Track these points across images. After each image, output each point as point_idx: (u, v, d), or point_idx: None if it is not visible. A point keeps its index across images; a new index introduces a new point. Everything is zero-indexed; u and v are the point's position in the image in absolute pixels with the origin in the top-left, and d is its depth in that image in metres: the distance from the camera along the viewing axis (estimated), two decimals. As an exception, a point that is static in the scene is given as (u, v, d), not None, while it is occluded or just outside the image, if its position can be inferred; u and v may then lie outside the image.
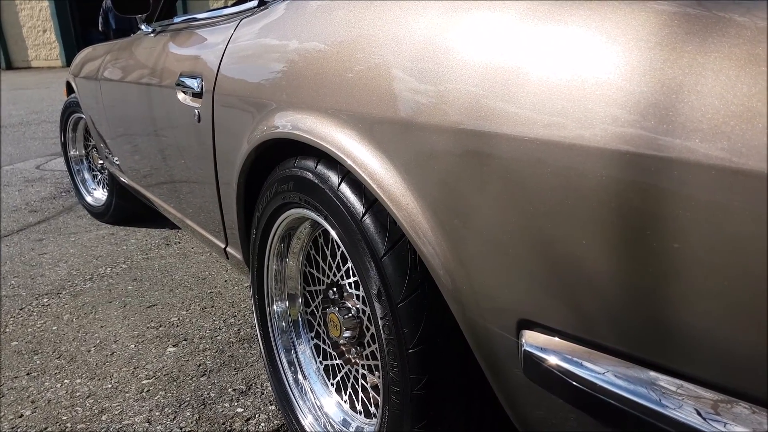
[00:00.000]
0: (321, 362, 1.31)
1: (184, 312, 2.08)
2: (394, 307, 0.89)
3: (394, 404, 0.94)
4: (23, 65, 17.42)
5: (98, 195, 3.25)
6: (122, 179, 2.56)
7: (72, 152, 3.35)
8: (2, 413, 1.53)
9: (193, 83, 1.48)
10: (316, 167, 1.03)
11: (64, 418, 1.51)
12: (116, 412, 1.52)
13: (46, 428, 1.47)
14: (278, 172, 1.16)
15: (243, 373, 1.66)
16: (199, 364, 1.73)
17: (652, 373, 0.63)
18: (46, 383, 1.67)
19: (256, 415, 1.47)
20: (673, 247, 0.57)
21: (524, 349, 0.73)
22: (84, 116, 2.93)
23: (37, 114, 7.39)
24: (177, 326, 1.97)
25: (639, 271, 0.61)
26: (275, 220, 1.22)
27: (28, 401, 1.58)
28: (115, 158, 2.52)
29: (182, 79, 1.55)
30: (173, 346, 1.85)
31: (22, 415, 1.52)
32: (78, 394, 1.61)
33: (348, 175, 0.97)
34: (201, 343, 1.85)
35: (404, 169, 0.84)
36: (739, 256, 0.52)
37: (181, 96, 1.57)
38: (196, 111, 1.48)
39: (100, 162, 3.15)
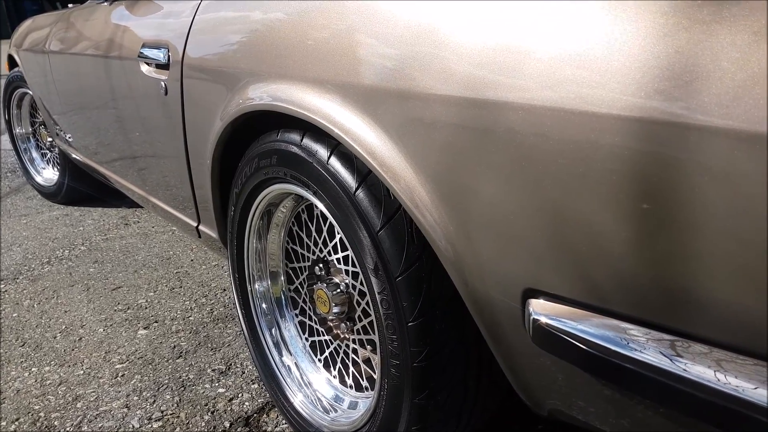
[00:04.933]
0: (307, 339, 1.29)
1: (152, 293, 2.02)
2: (393, 281, 0.88)
3: (393, 377, 0.93)
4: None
5: (48, 174, 3.11)
6: (75, 157, 2.45)
7: (18, 130, 3.18)
8: (-32, 406, 1.46)
9: (158, 54, 1.41)
10: (301, 140, 1.00)
11: (37, 407, 1.45)
12: (91, 399, 1.47)
13: (17, 419, 1.41)
14: (258, 146, 1.12)
15: (221, 353, 1.63)
16: (174, 346, 1.68)
17: (665, 335, 0.63)
18: (13, 372, 1.60)
19: (239, 395, 1.45)
20: (683, 213, 0.57)
21: (533, 318, 0.73)
22: (30, 91, 2.78)
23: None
24: (146, 308, 1.92)
25: (649, 237, 0.61)
26: (256, 196, 1.19)
27: (-6, 392, 1.52)
28: (68, 135, 2.40)
29: (145, 50, 1.48)
30: (144, 328, 1.79)
31: (-11, 407, 1.46)
32: (48, 382, 1.55)
33: (338, 148, 0.95)
34: (173, 324, 1.81)
35: (400, 139, 0.82)
36: (751, 221, 0.53)
37: (144, 68, 1.50)
38: (163, 83, 1.41)
39: (49, 140, 3.00)
